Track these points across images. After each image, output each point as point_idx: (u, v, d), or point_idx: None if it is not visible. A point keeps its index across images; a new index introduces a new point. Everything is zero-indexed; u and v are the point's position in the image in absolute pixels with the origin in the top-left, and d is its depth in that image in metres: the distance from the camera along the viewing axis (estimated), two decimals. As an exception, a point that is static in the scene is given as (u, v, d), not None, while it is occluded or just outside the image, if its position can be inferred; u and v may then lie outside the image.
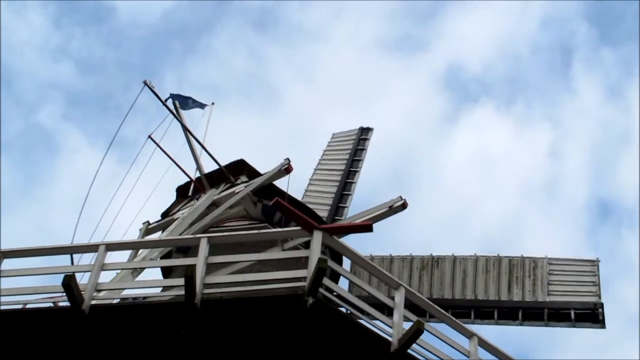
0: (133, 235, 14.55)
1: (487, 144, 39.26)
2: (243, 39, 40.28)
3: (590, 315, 14.11)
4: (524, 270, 14.91)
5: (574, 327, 14.24)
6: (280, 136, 35.50)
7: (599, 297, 14.21)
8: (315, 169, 18.05)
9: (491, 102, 41.58)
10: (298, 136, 37.03)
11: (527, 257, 15.03)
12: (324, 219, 14.99)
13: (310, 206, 15.11)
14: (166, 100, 15.23)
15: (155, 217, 15.34)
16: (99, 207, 13.69)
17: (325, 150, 18.79)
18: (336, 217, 15.85)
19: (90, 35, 39.72)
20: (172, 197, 15.74)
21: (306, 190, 17.38)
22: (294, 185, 14.28)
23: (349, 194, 16.64)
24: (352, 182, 17.02)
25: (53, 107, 38.91)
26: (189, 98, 16.07)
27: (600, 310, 14.06)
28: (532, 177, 39.29)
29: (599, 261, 14.71)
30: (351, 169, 17.48)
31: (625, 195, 38.25)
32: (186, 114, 15.81)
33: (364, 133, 18.86)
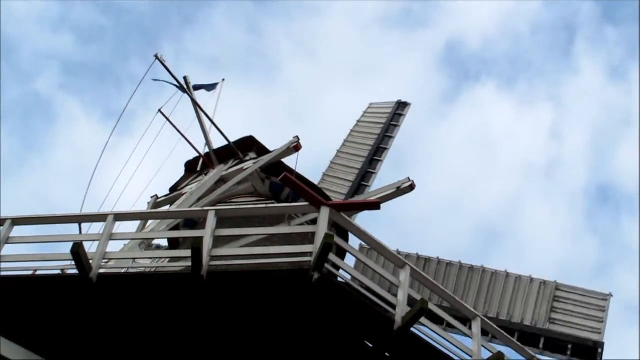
0: (141, 209, 14.64)
1: (487, 123, 38.92)
2: (242, 12, 39.99)
3: (588, 351, 13.40)
4: (530, 290, 14.22)
5: None
6: (279, 111, 35.45)
7: (602, 335, 13.43)
8: (345, 140, 17.69)
9: (492, 80, 41.25)
10: (297, 111, 36.94)
11: (536, 278, 14.26)
12: (344, 195, 15.02)
13: (331, 180, 15.06)
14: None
15: (163, 191, 15.43)
16: (100, 179, 13.76)
17: (358, 121, 18.34)
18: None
19: (89, 6, 39.63)
20: (180, 172, 15.83)
21: (331, 162, 17.13)
22: (301, 163, 14.32)
23: (373, 173, 16.21)
24: (378, 160, 16.58)
25: (51, 77, 38.99)
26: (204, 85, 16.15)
27: (600, 350, 13.31)
28: (532, 158, 39.15)
29: (611, 296, 13.67)
30: (380, 146, 16.97)
31: (624, 180, 38.07)
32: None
33: (400, 108, 18.19)
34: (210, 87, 16.17)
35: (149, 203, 14.96)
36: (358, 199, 14.93)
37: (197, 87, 15.85)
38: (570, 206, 38.72)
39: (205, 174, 14.87)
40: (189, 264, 9.25)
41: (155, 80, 14.79)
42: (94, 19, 39.89)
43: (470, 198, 36.72)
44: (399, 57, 41.31)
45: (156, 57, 14.94)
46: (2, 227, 10.07)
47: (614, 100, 40.44)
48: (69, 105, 39.71)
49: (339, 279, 10.01)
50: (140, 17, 41.10)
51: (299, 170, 14.01)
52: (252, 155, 14.99)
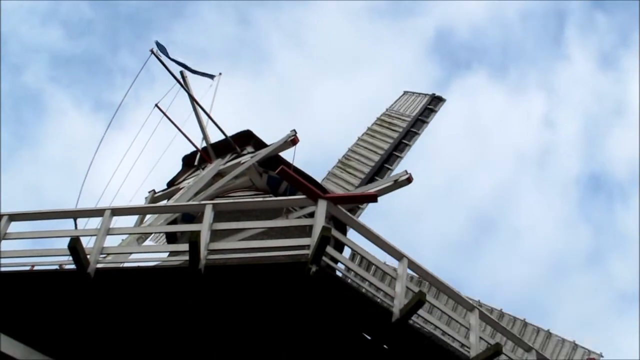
0: (138, 203, 14.60)
1: (479, 112, 38.80)
2: (231, 3, 39.79)
3: None
4: None
5: None
6: (270, 102, 35.29)
7: None
8: (368, 128, 17.66)
9: (483, 69, 41.10)
10: (288, 102, 36.82)
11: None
12: (354, 187, 15.07)
13: (344, 169, 15.30)
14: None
15: (160, 186, 15.44)
16: (93, 173, 13.72)
17: (387, 109, 18.20)
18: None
19: (78, -1, 39.44)
20: (177, 167, 15.83)
21: (349, 150, 17.06)
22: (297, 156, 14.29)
23: (389, 168, 16.00)
24: (398, 156, 16.33)
25: (40, 69, 38.84)
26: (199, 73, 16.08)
27: None
28: (524, 147, 39.04)
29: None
30: (403, 140, 16.90)
31: (617, 168, 37.99)
32: (192, 83, 15.80)
33: (433, 102, 17.87)
34: (206, 76, 16.11)
35: (146, 198, 14.97)
36: (356, 191, 14.94)
37: (191, 71, 15.77)
38: (563, 195, 38.69)
39: (203, 168, 14.86)
40: (187, 258, 9.24)
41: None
42: (82, 11, 39.78)
43: (463, 187, 36.67)
44: (389, 47, 41.21)
45: (152, 52, 14.90)
46: (-1, 223, 10.06)
47: (606, 88, 40.38)
48: (59, 98, 39.69)
49: (338, 269, 10.02)
50: (130, 9, 40.98)
51: (296, 164, 14.01)
52: (250, 149, 14.99)
